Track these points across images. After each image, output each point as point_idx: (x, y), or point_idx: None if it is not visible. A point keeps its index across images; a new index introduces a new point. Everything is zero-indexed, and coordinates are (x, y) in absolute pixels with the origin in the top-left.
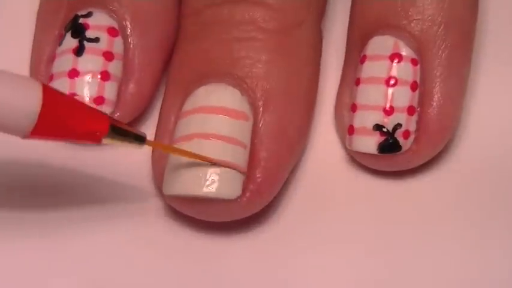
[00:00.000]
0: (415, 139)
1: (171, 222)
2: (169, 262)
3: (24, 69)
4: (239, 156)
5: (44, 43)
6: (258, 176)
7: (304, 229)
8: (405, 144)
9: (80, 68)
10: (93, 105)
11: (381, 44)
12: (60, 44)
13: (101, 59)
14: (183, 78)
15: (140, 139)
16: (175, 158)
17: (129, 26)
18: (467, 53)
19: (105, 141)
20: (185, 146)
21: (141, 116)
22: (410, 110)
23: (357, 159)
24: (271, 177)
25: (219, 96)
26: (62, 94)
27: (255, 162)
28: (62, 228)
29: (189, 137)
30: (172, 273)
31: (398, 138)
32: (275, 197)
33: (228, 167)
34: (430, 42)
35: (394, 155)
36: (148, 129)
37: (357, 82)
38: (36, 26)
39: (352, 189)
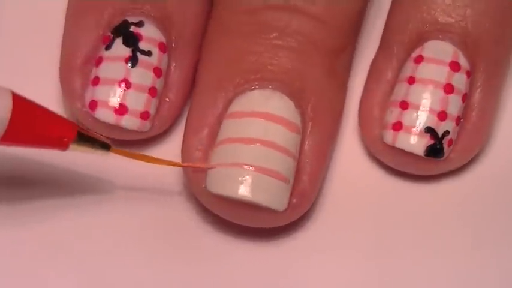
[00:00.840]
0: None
1: (171, 224)
2: (169, 263)
3: (21, 67)
4: (291, 169)
5: (83, 40)
6: (301, 188)
7: (306, 232)
8: (447, 151)
9: (132, 80)
10: (140, 120)
11: (440, 49)
12: (108, 47)
13: (151, 75)
14: (230, 75)
15: (106, 147)
16: (220, 155)
17: (175, 44)
18: (507, 71)
19: (72, 147)
20: (242, 148)
21: None
22: (458, 120)
23: (383, 159)
24: (311, 191)
25: (278, 104)
26: (30, 101)
27: (299, 175)
28: (63, 226)
29: (249, 141)
30: (172, 274)
31: (444, 145)
32: None
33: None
34: (482, 58)
35: (433, 160)
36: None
37: (411, 80)
38: (70, 20)
39: (355, 193)
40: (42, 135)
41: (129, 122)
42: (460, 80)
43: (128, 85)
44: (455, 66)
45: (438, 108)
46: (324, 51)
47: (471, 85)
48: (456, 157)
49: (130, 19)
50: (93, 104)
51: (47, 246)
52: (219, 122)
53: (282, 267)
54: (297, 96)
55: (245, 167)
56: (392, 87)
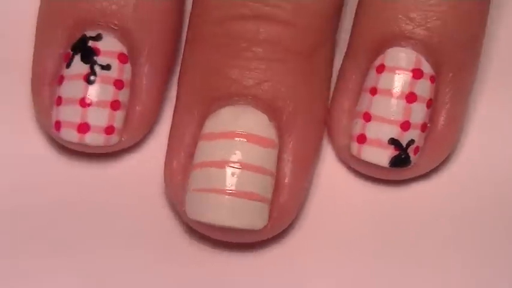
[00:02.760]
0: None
1: (170, 227)
2: (168, 266)
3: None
4: (268, 186)
5: (47, 59)
6: (281, 202)
7: (304, 233)
8: (414, 159)
9: (91, 97)
10: (104, 135)
11: (401, 57)
12: (68, 65)
13: (111, 88)
14: (203, 92)
15: None
16: (196, 180)
17: (138, 51)
18: (474, 73)
19: None
20: (215, 172)
21: None
22: (424, 127)
23: (352, 165)
24: (291, 205)
25: (248, 121)
26: None
27: (279, 189)
28: (62, 227)
29: (219, 164)
30: (171, 278)
31: (410, 154)
32: None
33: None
34: (447, 62)
35: (400, 169)
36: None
37: (373, 91)
38: (37, 38)
39: (349, 197)
40: None
41: (93, 139)
42: (423, 87)
43: (88, 102)
44: (417, 73)
45: (401, 119)
46: (295, 54)
47: (437, 90)
48: (425, 162)
49: (89, 33)
50: (58, 125)
51: (46, 247)
52: (195, 142)
53: (278, 270)
54: (270, 109)
55: (220, 192)
56: (358, 96)
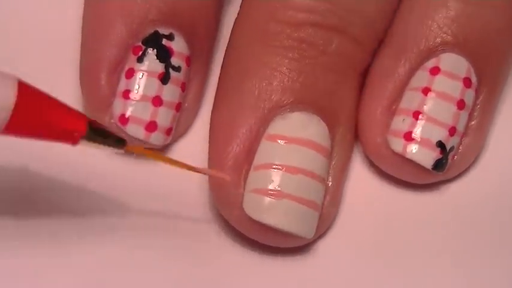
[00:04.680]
0: None
1: (170, 226)
2: (167, 265)
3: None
4: (321, 195)
5: (110, 47)
6: (325, 210)
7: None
8: (449, 165)
9: (164, 97)
10: (165, 136)
11: (456, 64)
12: (140, 60)
13: (179, 90)
14: (270, 93)
15: (121, 142)
16: (260, 180)
17: (197, 56)
18: (501, 89)
19: (82, 142)
20: (286, 178)
21: None
22: (463, 136)
23: (382, 163)
24: (335, 210)
25: (315, 130)
26: (38, 91)
27: (326, 197)
28: (62, 231)
29: (293, 170)
30: (170, 276)
31: (449, 160)
32: None
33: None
34: (488, 77)
35: (434, 172)
36: None
37: (425, 91)
38: (92, 22)
39: (351, 198)
40: (50, 126)
41: (156, 138)
42: (469, 97)
43: (160, 102)
44: (468, 82)
45: (450, 123)
46: (359, 73)
47: (474, 102)
48: (451, 169)
49: (161, 30)
50: (124, 119)
51: (46, 248)
52: (255, 139)
53: (278, 269)
54: (331, 121)
55: (287, 196)
56: (399, 93)
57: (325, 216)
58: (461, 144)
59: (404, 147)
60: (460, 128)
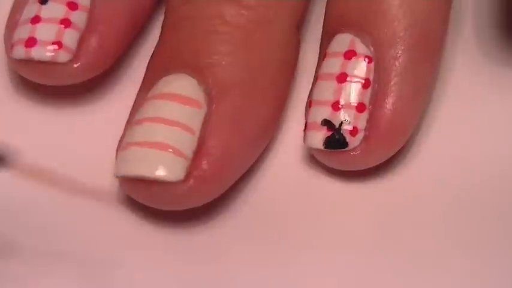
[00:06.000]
0: (365, 138)
1: (166, 222)
2: (166, 263)
3: None
4: (185, 142)
5: (20, 1)
6: (203, 162)
7: (304, 233)
8: (352, 141)
9: (42, 15)
10: (51, 50)
11: (340, 42)
12: None
13: (64, 7)
14: (153, 70)
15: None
16: (125, 142)
17: None
18: (429, 56)
19: None
20: (136, 130)
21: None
22: (360, 107)
23: (316, 157)
24: (219, 165)
25: (176, 84)
26: None
27: (202, 150)
28: (62, 231)
29: (141, 121)
30: (168, 274)
31: (345, 135)
32: (271, 198)
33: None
34: (386, 41)
35: (341, 152)
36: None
37: (316, 79)
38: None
39: (347, 195)
40: None
41: (40, 52)
42: (356, 67)
43: (38, 20)
44: (350, 54)
45: (331, 99)
46: (234, 27)
47: (378, 69)
48: (373, 145)
49: None
50: (11, 46)
51: (46, 248)
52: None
53: (277, 269)
54: (200, 74)
55: (132, 145)
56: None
57: (206, 169)
58: (374, 117)
59: (304, 138)
60: (349, 100)
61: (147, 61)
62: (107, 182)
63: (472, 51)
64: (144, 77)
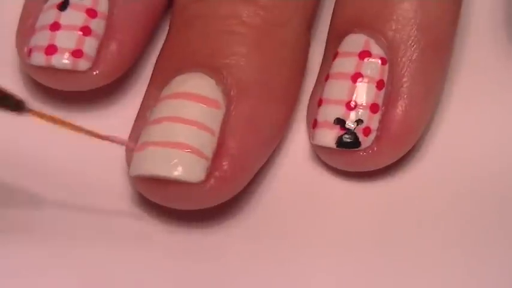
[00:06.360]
0: (376, 138)
1: (167, 221)
2: (166, 262)
3: None
4: (205, 142)
5: (32, 6)
6: (224, 163)
7: (303, 232)
8: (365, 141)
9: (61, 22)
10: (72, 58)
11: (353, 42)
12: (46, 1)
13: (83, 15)
14: (164, 68)
15: (20, 105)
16: (141, 141)
17: None
18: (440, 57)
19: None
20: (154, 129)
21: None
22: (374, 108)
23: (320, 156)
24: (238, 166)
25: (193, 83)
26: None
27: (222, 151)
28: (61, 231)
29: (159, 120)
30: (168, 273)
31: (358, 134)
32: (280, 197)
33: (121, 143)
34: (401, 43)
35: (351, 152)
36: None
37: (326, 77)
38: None
39: (347, 194)
40: None
41: (60, 60)
42: (371, 68)
43: (58, 27)
44: (365, 54)
45: (346, 99)
46: (250, 27)
47: (392, 71)
48: (384, 146)
49: None
50: (29, 52)
51: (45, 248)
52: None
53: (277, 269)
54: (218, 74)
55: (151, 145)
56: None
57: (226, 169)
58: (386, 117)
59: (312, 136)
60: (363, 100)
61: (151, 60)
62: (112, 181)
63: (477, 52)
64: (152, 75)
